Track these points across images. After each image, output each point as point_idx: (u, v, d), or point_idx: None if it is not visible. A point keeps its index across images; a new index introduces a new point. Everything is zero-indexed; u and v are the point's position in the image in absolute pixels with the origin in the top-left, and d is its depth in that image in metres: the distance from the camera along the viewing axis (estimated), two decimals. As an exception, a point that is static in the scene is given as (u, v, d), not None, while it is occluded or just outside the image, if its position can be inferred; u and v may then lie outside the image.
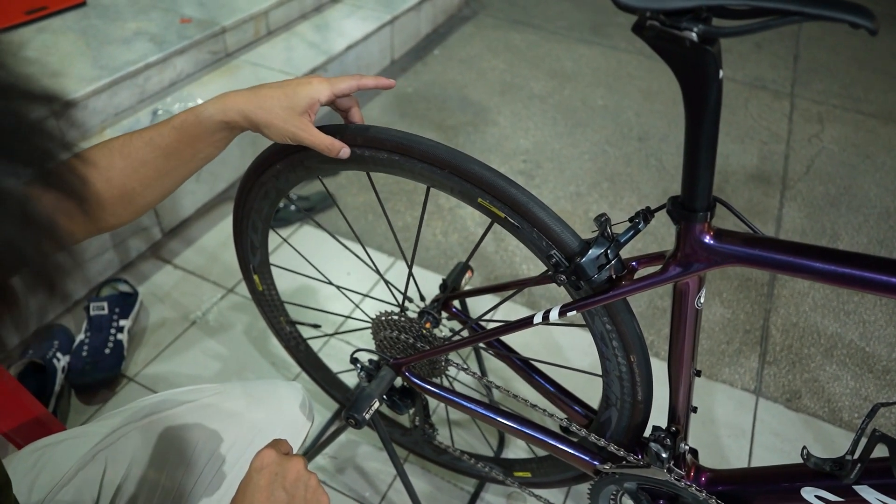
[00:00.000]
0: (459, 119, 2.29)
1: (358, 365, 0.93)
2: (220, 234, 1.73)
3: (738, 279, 1.70)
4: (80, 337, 1.34)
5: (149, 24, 1.95)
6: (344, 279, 1.61)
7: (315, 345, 1.37)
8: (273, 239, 1.72)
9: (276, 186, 0.85)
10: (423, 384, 0.90)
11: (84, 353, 1.30)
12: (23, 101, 0.35)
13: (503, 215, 0.68)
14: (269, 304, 1.11)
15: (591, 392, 0.94)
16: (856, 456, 0.66)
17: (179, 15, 2.02)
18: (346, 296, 1.09)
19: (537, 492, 1.09)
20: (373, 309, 1.02)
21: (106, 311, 1.35)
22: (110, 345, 1.32)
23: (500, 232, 1.77)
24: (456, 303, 1.03)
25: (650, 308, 1.61)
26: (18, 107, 0.35)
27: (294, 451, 0.83)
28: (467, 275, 1.05)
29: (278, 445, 0.61)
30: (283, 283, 1.47)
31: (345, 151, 0.70)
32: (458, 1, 3.06)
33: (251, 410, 0.81)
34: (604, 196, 1.98)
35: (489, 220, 0.72)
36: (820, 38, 3.06)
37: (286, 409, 0.84)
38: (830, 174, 2.14)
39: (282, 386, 0.86)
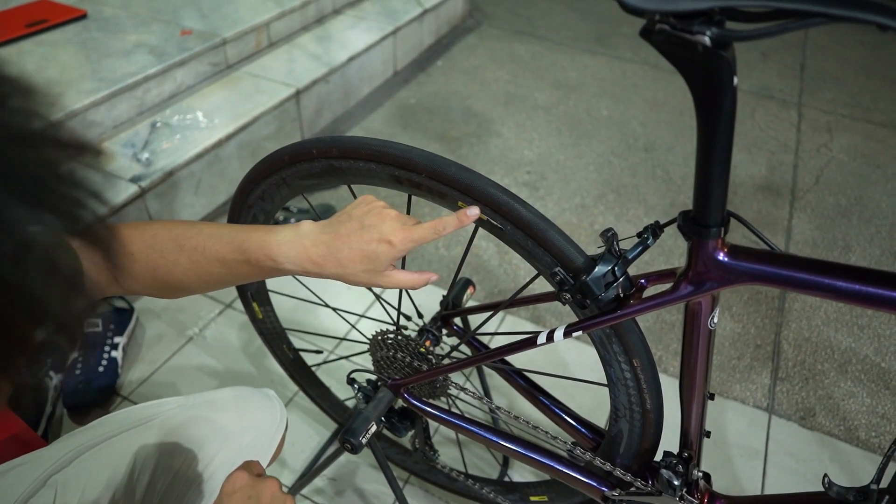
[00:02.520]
0: (463, 130, 2.27)
1: (355, 386, 0.90)
2: (218, 248, 1.70)
3: (749, 292, 1.66)
4: (74, 355, 1.31)
5: (149, 36, 1.94)
6: (344, 295, 1.58)
7: (315, 366, 1.34)
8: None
9: (263, 208, 0.82)
10: (423, 406, 0.87)
11: (77, 372, 1.27)
12: (54, 149, 0.35)
13: (485, 217, 0.65)
14: (271, 333, 1.08)
15: (601, 415, 0.91)
16: (882, 485, 0.62)
17: (180, 27, 2.00)
18: (342, 316, 1.05)
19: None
20: (374, 328, 0.98)
21: (100, 328, 1.32)
22: (104, 363, 1.29)
23: (503, 247, 1.74)
24: (458, 320, 1.00)
25: (658, 322, 1.57)
26: (49, 155, 0.35)
27: (268, 457, 0.81)
28: (469, 291, 1.01)
29: (250, 467, 0.59)
30: (282, 303, 1.44)
31: (431, 277, 0.64)
32: (462, 12, 3.05)
33: (217, 421, 0.78)
34: (609, 208, 1.95)
35: (490, 234, 0.69)
36: (827, 47, 3.02)
37: (256, 417, 0.81)
38: (840, 184, 2.10)
39: (250, 393, 0.83)
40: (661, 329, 1.55)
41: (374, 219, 0.61)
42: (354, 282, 0.61)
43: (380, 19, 2.51)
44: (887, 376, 1.46)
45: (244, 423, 0.80)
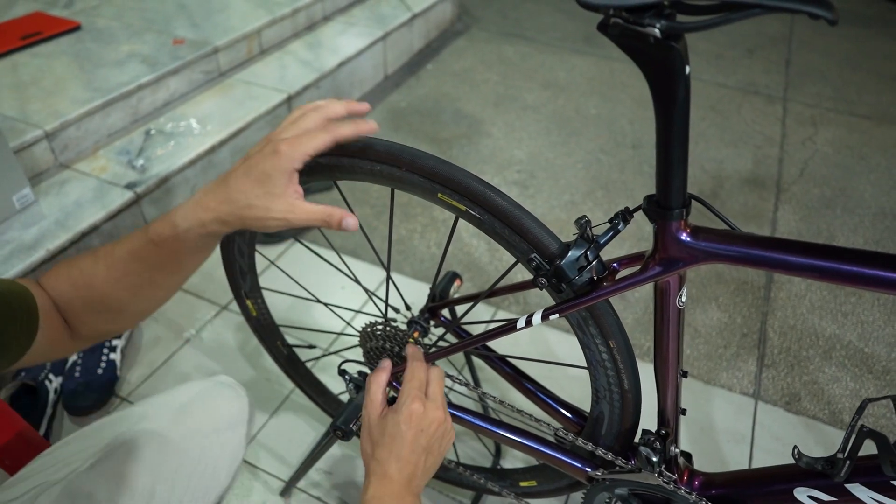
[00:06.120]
0: (453, 132, 2.30)
1: (346, 377, 0.93)
2: (214, 252, 1.73)
3: (735, 283, 1.69)
4: (73, 358, 1.33)
5: (142, 45, 1.97)
6: (339, 294, 1.61)
7: (310, 362, 1.36)
8: (271, 255, 1.72)
9: None
10: (412, 394, 0.89)
11: (76, 374, 1.30)
12: None
13: (464, 208, 0.68)
14: (265, 329, 1.11)
15: (588, 403, 0.94)
16: (847, 454, 0.65)
17: (172, 36, 2.04)
18: (336, 313, 1.09)
19: (537, 501, 1.07)
20: (365, 322, 1.02)
21: (99, 331, 1.35)
22: (103, 365, 1.31)
23: (493, 244, 1.77)
24: (446, 312, 1.03)
25: (646, 314, 1.60)
26: None
27: (243, 442, 0.84)
28: (456, 283, 1.04)
29: (423, 395, 0.68)
30: (278, 301, 1.47)
31: (349, 221, 0.59)
32: (451, 15, 3.09)
33: (184, 423, 0.78)
34: (598, 204, 1.98)
35: (471, 224, 0.72)
36: (811, 42, 3.07)
37: (222, 409, 0.82)
38: (825, 176, 2.14)
39: (211, 385, 0.85)
40: (648, 321, 1.58)
41: (262, 143, 0.58)
42: (257, 217, 0.56)
43: (369, 25, 2.54)
44: (870, 361, 1.49)
45: (212, 418, 0.81)
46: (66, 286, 0.61)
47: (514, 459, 1.27)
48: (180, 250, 0.60)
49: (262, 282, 1.04)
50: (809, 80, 2.75)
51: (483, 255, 1.76)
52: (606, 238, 0.66)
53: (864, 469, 0.63)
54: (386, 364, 0.76)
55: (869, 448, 0.63)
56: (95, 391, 1.28)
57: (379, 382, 0.72)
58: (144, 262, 0.60)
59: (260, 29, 2.20)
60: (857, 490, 0.64)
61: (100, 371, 1.31)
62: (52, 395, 1.26)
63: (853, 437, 0.64)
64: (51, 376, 1.29)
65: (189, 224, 0.57)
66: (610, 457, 0.80)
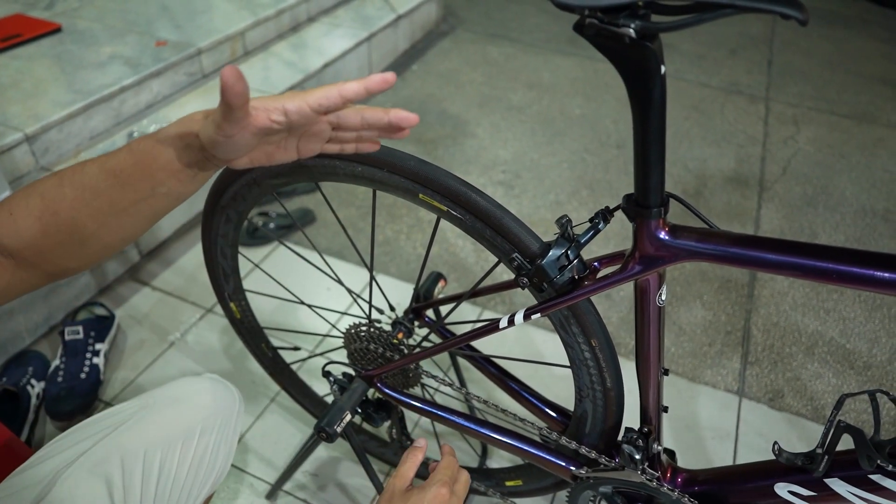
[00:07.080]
0: (438, 132, 2.30)
1: (331, 378, 0.92)
2: (198, 255, 1.72)
3: (719, 281, 1.71)
4: (56, 363, 1.32)
5: (124, 47, 1.96)
6: (324, 295, 1.60)
7: (296, 365, 1.36)
8: (256, 258, 1.71)
9: (236, 209, 0.85)
10: (396, 395, 0.89)
11: (59, 379, 1.28)
12: None
13: (445, 208, 0.68)
14: (250, 332, 1.10)
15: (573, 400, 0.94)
16: (825, 449, 0.66)
17: (155, 38, 2.02)
18: (320, 315, 1.08)
19: (523, 501, 1.08)
20: (350, 323, 1.03)
21: (81, 336, 1.33)
22: (86, 369, 1.30)
23: (480, 245, 1.77)
24: (430, 312, 1.03)
25: (632, 313, 1.61)
26: None
27: (235, 433, 0.86)
28: (440, 284, 1.05)
29: (453, 485, 0.70)
30: (263, 304, 1.47)
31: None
32: (436, 17, 3.09)
33: (178, 417, 0.80)
34: (583, 203, 1.99)
35: (453, 225, 0.72)
36: (793, 42, 3.10)
37: (215, 402, 0.83)
38: (807, 174, 2.17)
39: (194, 382, 0.86)
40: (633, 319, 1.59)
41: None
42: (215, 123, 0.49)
43: (354, 26, 2.54)
44: (852, 357, 1.51)
45: (202, 409, 0.82)
46: (27, 220, 0.55)
47: (500, 459, 1.27)
48: (156, 159, 0.54)
49: (247, 284, 1.04)
50: (791, 80, 2.78)
51: (469, 256, 1.76)
52: (587, 237, 0.66)
53: (843, 464, 0.64)
54: (422, 443, 0.78)
55: (847, 443, 0.64)
56: (79, 396, 1.27)
57: (415, 461, 0.75)
58: (117, 179, 0.54)
59: (244, 30, 2.19)
60: (836, 484, 0.64)
61: (83, 375, 1.29)
62: (34, 401, 1.25)
63: (831, 432, 0.65)
64: (33, 381, 1.27)
65: (172, 127, 0.53)
66: (594, 455, 0.81)
